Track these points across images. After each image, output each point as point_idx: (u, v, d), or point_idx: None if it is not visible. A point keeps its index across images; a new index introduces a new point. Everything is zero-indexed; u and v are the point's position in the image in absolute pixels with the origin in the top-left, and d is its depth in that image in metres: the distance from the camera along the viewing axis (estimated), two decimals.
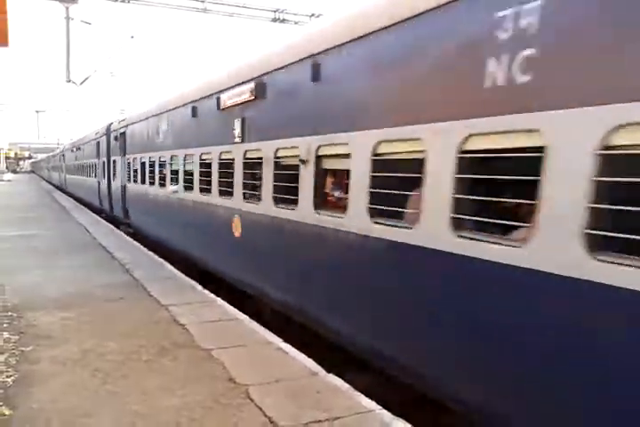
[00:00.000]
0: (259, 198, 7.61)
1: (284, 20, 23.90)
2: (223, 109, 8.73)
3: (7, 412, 4.29)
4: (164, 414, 4.29)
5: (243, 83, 7.95)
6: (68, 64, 24.03)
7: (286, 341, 6.15)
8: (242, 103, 8.00)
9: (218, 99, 8.85)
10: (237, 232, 8.33)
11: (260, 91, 7.42)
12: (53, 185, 48.09)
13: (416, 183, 4.54)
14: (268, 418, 4.23)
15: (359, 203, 5.28)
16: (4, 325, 6.53)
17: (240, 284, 8.50)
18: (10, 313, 6.99)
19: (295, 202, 6.53)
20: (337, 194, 6.19)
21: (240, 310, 7.50)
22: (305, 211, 6.33)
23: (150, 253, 12.38)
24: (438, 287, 4.41)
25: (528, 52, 3.56)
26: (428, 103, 4.50)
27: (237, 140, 8.21)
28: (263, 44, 8.62)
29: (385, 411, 4.43)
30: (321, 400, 4.57)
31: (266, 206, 7.30)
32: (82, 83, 26.03)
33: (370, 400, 4.62)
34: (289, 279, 6.83)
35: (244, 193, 8.11)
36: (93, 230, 15.96)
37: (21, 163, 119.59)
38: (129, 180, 16.33)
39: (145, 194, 14.34)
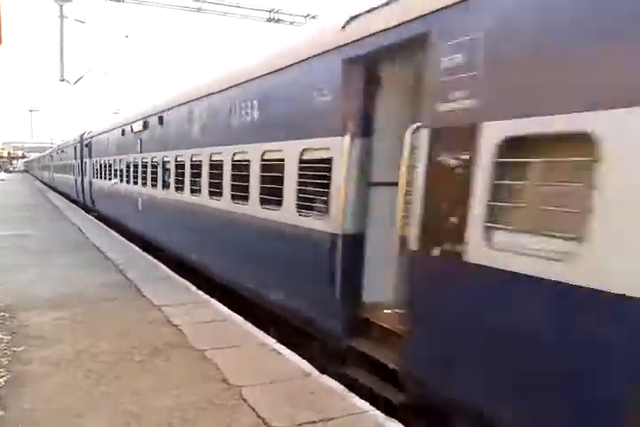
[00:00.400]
0: (145, 184, 13.73)
1: (279, 21, 23.90)
2: (133, 132, 14.88)
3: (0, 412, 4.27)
4: (158, 415, 4.28)
5: (140, 119, 14.13)
6: (61, 63, 23.99)
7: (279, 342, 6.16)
8: (139, 131, 14.17)
9: (131, 125, 15.04)
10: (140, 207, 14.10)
11: (145, 124, 13.58)
12: (44, 183, 52.03)
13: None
14: (261, 419, 4.22)
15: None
16: None
17: (155, 242, 12.94)
18: (2, 313, 6.95)
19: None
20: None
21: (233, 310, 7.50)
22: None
23: (144, 253, 12.35)
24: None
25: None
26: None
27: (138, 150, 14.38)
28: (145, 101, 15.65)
29: (378, 412, 4.43)
30: (315, 401, 4.57)
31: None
32: (76, 82, 25.98)
33: (363, 401, 4.62)
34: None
35: (143, 182, 13.84)
36: (87, 231, 15.91)
37: (14, 162, 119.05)
38: (94, 176, 21.74)
39: (103, 186, 19.76)
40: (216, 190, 8.72)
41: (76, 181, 26.95)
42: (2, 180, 59.40)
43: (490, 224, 3.71)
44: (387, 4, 4.81)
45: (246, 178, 7.49)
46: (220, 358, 5.57)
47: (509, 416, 3.64)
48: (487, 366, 3.78)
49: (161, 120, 11.98)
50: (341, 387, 4.91)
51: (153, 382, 4.94)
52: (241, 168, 7.77)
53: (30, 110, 78.18)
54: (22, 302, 7.54)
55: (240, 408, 4.41)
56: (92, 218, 20.26)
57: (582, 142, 3.08)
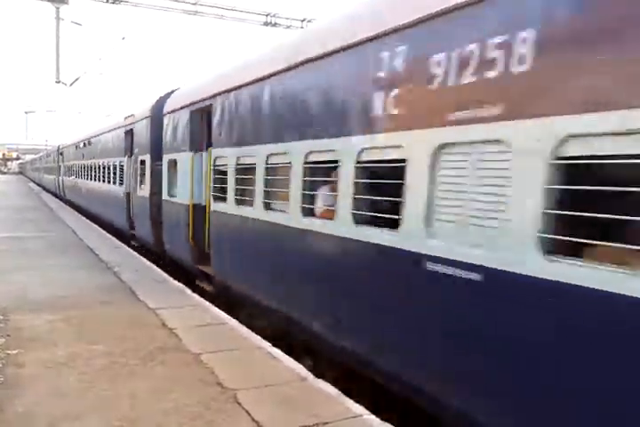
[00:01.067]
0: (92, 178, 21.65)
1: (275, 24, 23.94)
2: (78, 148, 25.47)
3: None
4: (152, 419, 4.26)
5: (82, 140, 24.77)
6: (57, 65, 23.95)
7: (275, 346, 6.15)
8: (82, 147, 24.30)
9: (78, 144, 25.55)
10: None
11: (84, 143, 23.90)
12: (36, 183, 60.40)
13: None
14: (256, 423, 4.21)
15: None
16: None
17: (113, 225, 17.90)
18: None
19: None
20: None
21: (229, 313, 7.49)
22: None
23: (139, 256, 12.33)
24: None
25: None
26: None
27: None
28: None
29: (373, 416, 4.42)
30: (310, 405, 4.56)
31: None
32: (72, 84, 25.93)
33: (359, 405, 4.62)
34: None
35: (104, 179, 19.04)
36: (81, 233, 15.87)
37: (9, 164, 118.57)
38: (67, 175, 30.70)
39: (72, 182, 28.08)
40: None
41: (55, 179, 37.71)
42: None
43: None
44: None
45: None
46: (216, 361, 5.56)
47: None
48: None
49: (89, 142, 22.44)
50: (337, 391, 4.90)
51: (147, 385, 4.92)
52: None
53: (26, 112, 77.98)
54: (16, 305, 7.51)
55: (235, 412, 4.40)
56: (86, 220, 20.23)
57: None
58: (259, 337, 6.44)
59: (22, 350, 5.76)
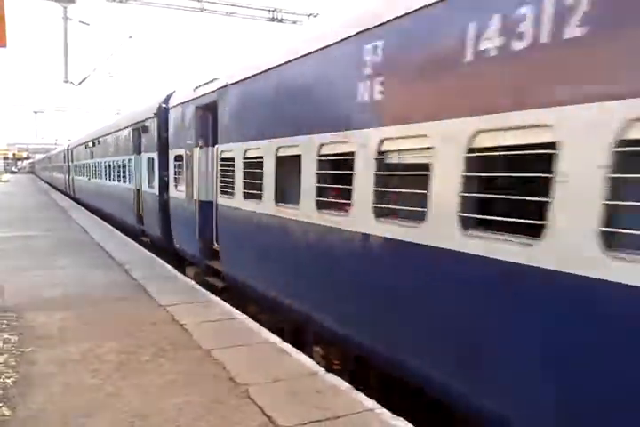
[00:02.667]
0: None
1: (281, 20, 23.88)
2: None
3: (7, 412, 4.29)
4: (164, 415, 4.28)
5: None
6: (65, 64, 24.01)
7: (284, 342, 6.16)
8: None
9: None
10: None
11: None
12: (43, 180, 66.20)
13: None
14: (268, 417, 4.23)
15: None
16: (4, 325, 6.52)
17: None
18: (9, 314, 6.99)
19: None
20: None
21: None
22: None
23: (150, 253, 12.38)
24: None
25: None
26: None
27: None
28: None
29: (385, 410, 4.42)
30: (321, 400, 4.57)
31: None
32: (80, 83, 26.01)
33: (370, 399, 4.62)
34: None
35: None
36: (92, 231, 15.96)
37: (19, 163, 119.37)
38: (77, 174, 31.81)
39: (82, 180, 28.66)
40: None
41: (64, 176, 40.07)
42: (7, 181, 59.55)
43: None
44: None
45: None
46: (227, 357, 5.58)
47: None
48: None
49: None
50: (347, 385, 4.91)
51: (159, 381, 4.95)
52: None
53: (35, 112, 78.39)
54: (29, 303, 7.57)
55: (247, 407, 4.42)
56: (97, 218, 20.32)
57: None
58: (269, 332, 6.46)
59: (35, 347, 5.81)
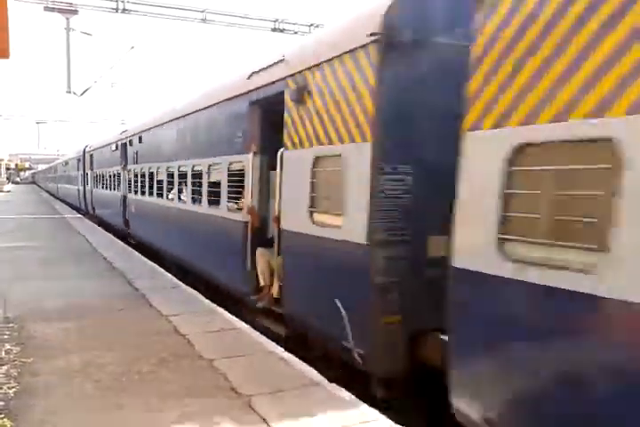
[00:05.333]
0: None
1: (283, 30, 24.03)
2: (65, 165, 40.04)
3: (9, 424, 4.26)
4: (167, 425, 4.26)
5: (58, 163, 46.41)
6: (68, 75, 24.17)
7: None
8: (65, 165, 39.09)
9: (65, 161, 40.97)
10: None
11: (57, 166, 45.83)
12: (45, 190, 67.27)
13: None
14: None
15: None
16: (5, 336, 6.50)
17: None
18: (11, 324, 6.97)
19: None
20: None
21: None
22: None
23: (151, 262, 12.37)
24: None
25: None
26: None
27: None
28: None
29: (388, 420, 4.40)
30: (325, 410, 4.54)
31: None
32: (82, 93, 26.14)
33: (373, 409, 4.59)
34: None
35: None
36: (94, 241, 15.97)
37: (22, 173, 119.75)
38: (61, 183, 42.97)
39: (62, 188, 41.05)
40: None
41: (56, 186, 48.83)
42: (8, 191, 59.67)
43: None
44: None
45: None
46: (229, 367, 5.55)
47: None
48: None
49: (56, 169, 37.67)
50: (350, 395, 4.88)
51: (161, 392, 4.92)
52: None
53: (37, 122, 78.74)
54: (30, 313, 7.55)
55: (250, 418, 4.38)
56: (98, 227, 20.34)
57: None
58: (271, 342, 6.44)
59: (37, 358, 5.79)
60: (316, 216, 5.95)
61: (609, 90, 2.90)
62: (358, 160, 5.13)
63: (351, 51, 5.24)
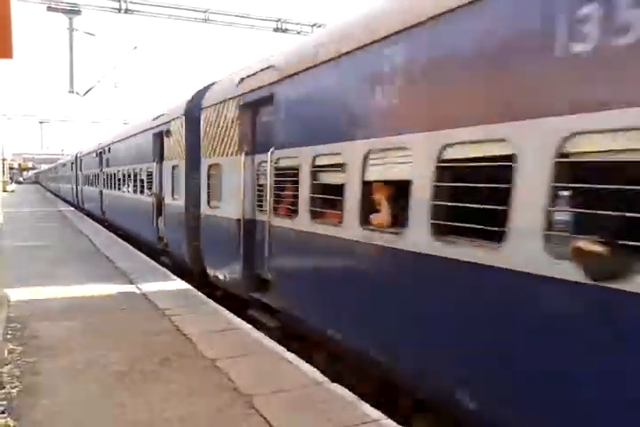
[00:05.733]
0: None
1: (286, 30, 24.00)
2: (64, 166, 44.67)
3: (11, 423, 4.27)
4: (169, 425, 4.27)
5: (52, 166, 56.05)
6: (71, 75, 24.19)
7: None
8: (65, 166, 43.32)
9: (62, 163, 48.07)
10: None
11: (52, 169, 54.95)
12: (46, 189, 72.05)
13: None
14: None
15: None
16: (8, 335, 6.52)
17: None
18: (13, 324, 6.98)
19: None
20: None
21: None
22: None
23: (154, 262, 12.39)
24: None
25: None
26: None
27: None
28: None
29: (390, 421, 4.39)
30: (326, 410, 4.54)
31: None
32: (85, 93, 26.18)
33: (375, 410, 4.59)
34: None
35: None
36: (97, 240, 15.99)
37: (25, 173, 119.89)
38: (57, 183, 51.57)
39: (60, 187, 46.87)
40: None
41: (58, 185, 51.34)
42: (12, 191, 59.72)
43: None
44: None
45: None
46: (231, 367, 5.56)
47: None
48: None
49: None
50: (353, 395, 4.88)
51: (164, 392, 4.93)
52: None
53: (40, 122, 78.77)
54: (33, 313, 7.57)
55: (251, 418, 4.39)
56: (101, 227, 20.39)
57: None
58: (273, 342, 6.44)
59: (40, 357, 5.80)
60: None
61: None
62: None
63: (178, 117, 11.28)
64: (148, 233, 14.00)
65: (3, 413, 4.44)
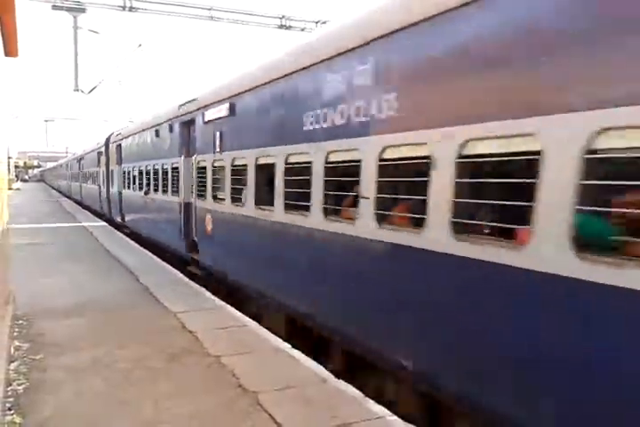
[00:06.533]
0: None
1: (290, 27, 23.99)
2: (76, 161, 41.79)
3: (18, 420, 4.30)
4: (175, 422, 4.28)
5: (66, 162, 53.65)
6: (76, 73, 24.28)
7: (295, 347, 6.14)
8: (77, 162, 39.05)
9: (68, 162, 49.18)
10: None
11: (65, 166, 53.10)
12: (51, 186, 71.80)
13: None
14: (277, 425, 4.21)
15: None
16: (15, 333, 6.55)
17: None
18: (20, 321, 7.02)
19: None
20: None
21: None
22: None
23: (158, 259, 12.41)
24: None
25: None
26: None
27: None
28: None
29: (395, 417, 4.40)
30: (331, 407, 4.55)
31: None
32: (90, 91, 26.25)
33: (380, 406, 4.59)
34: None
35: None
36: (101, 238, 16.03)
37: (30, 171, 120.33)
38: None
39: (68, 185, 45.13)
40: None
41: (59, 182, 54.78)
42: (17, 189, 59.88)
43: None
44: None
45: None
46: (236, 364, 5.57)
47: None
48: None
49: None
50: (357, 392, 4.89)
51: (170, 388, 4.95)
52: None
53: (45, 120, 78.96)
54: (39, 310, 7.60)
55: (257, 414, 4.41)
56: (106, 224, 20.42)
57: None
58: (278, 339, 6.45)
59: (46, 354, 5.83)
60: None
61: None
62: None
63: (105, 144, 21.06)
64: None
65: (9, 410, 4.47)
